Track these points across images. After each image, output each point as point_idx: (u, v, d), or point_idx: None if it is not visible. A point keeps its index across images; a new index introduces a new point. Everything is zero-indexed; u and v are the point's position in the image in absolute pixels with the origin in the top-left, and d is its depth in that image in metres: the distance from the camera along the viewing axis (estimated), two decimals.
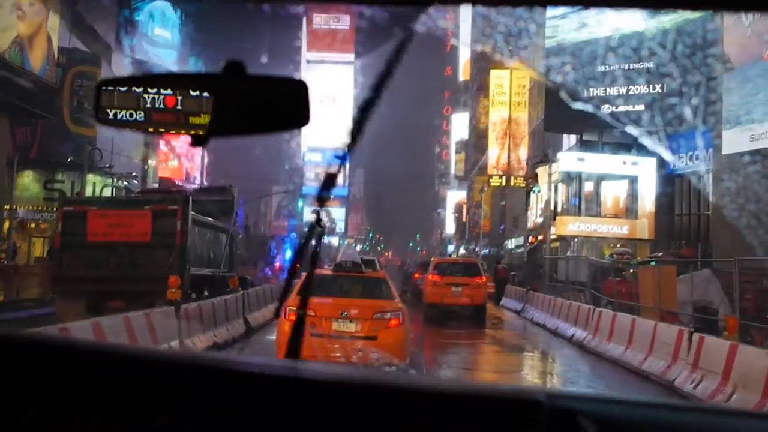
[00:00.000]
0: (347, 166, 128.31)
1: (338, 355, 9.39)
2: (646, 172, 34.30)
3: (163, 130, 1.83)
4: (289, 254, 44.02)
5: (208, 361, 1.42)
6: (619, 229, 35.02)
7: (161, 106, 1.71)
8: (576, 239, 35.84)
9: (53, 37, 31.14)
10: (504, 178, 58.91)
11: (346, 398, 1.16)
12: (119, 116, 1.75)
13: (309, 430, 1.12)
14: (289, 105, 1.70)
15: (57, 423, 1.18)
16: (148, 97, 1.72)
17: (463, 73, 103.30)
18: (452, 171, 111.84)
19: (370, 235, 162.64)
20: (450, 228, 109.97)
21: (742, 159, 25.56)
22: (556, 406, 1.11)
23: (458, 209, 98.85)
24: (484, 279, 24.76)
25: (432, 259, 31.93)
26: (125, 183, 38.84)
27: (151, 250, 17.61)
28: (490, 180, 59.72)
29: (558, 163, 35.71)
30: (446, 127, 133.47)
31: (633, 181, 34.93)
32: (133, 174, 34.19)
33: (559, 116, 35.05)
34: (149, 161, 56.44)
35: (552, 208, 37.11)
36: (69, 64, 35.17)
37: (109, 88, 1.77)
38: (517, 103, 58.43)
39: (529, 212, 43.69)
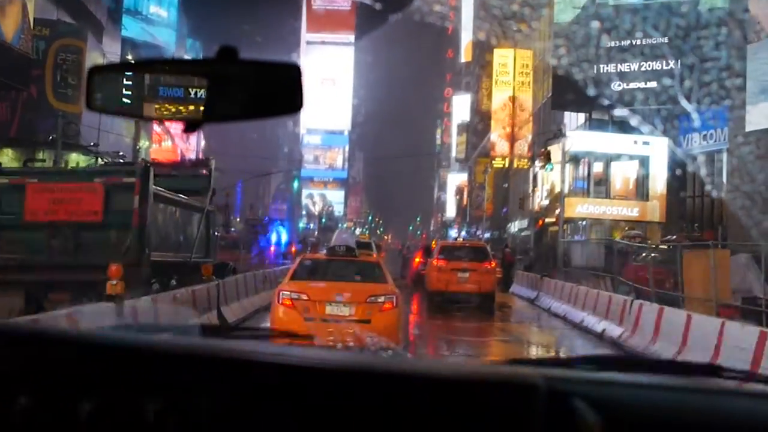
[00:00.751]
0: (346, 148, 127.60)
1: (331, 339, 7.63)
2: (657, 152, 32.99)
3: (155, 115, 1.81)
4: (284, 238, 42.76)
5: (200, 348, 1.36)
6: (629, 211, 33.75)
7: (154, 91, 1.62)
8: (584, 222, 34.55)
9: (29, 5, 29.73)
10: (507, 159, 57.64)
11: (339, 383, 1.15)
12: (111, 102, 1.71)
13: (302, 415, 1.11)
14: (283, 89, 1.63)
15: (47, 412, 1.17)
16: (141, 83, 1.67)
17: (465, 54, 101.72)
18: (453, 154, 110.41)
19: (369, 218, 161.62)
20: (451, 211, 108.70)
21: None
22: (553, 389, 1.10)
23: (459, 192, 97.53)
24: (494, 264, 23.27)
25: (433, 242, 30.56)
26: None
27: (102, 231, 14.68)
28: (493, 162, 58.42)
29: (566, 142, 34.37)
30: (447, 109, 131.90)
31: (644, 161, 33.62)
32: (120, 153, 32.67)
33: (567, 94, 33.69)
34: (142, 141, 55.09)
35: (559, 189, 35.81)
36: (52, 37, 33.48)
37: (102, 74, 1.72)
38: (520, 83, 57.02)
39: (534, 194, 42.37)
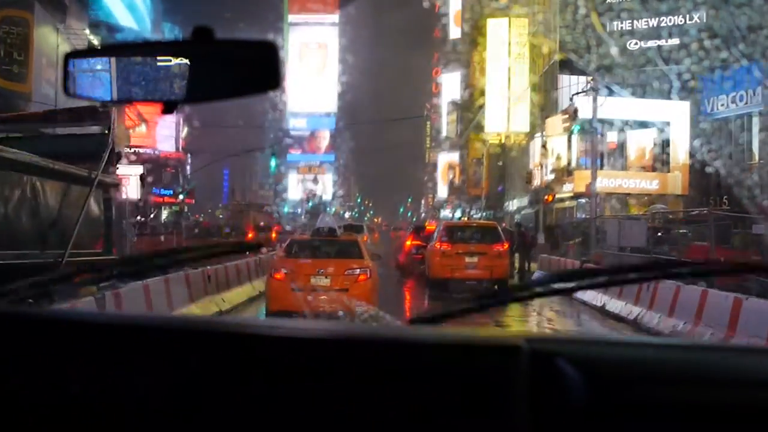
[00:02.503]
0: (329, 132, 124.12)
1: (322, 307, 7.90)
2: (679, 118, 29.63)
3: (133, 98, 1.78)
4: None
5: (189, 322, 1.41)
6: (647, 183, 30.54)
7: (131, 75, 1.68)
8: (597, 196, 31.26)
9: None
10: (503, 135, 54.31)
11: (322, 353, 1.17)
12: (88, 87, 1.75)
13: (288, 387, 1.13)
14: (260, 67, 1.63)
15: (36, 393, 1.18)
16: (117, 67, 1.69)
17: (454, 25, 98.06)
18: (443, 133, 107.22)
19: (358, 200, 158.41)
20: (442, 192, 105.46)
21: None
22: (535, 350, 1.12)
23: (450, 172, 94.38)
24: (506, 246, 19.96)
25: (427, 222, 27.23)
26: None
27: None
28: (488, 138, 55.16)
29: (594, 105, 30.92)
30: (436, 89, 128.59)
31: (663, 128, 30.27)
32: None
33: (574, 55, 30.28)
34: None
35: (566, 161, 32.44)
36: None
37: (77, 58, 1.75)
38: (517, 54, 53.65)
39: (540, 169, 38.98)
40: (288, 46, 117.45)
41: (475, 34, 70.59)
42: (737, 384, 1.13)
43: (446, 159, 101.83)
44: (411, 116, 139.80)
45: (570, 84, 37.63)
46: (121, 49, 1.90)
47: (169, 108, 1.74)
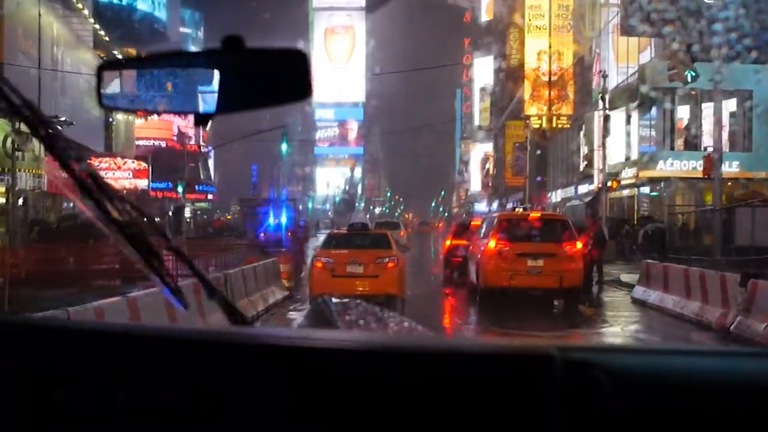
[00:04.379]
0: (356, 124, 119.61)
1: (351, 287, 13.56)
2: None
3: (165, 110, 1.82)
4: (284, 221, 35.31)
5: (215, 335, 1.39)
6: (726, 165, 25.59)
7: (162, 86, 1.70)
8: (665, 182, 26.48)
9: None
10: (544, 119, 49.53)
11: (350, 363, 1.17)
12: (121, 99, 1.79)
13: (309, 397, 1.13)
14: (291, 76, 1.63)
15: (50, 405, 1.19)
16: (148, 78, 1.71)
17: (486, 11, 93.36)
18: (476, 122, 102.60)
19: (388, 194, 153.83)
20: (475, 185, 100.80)
21: None
22: (569, 359, 1.11)
23: (484, 163, 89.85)
24: (581, 245, 15.20)
25: (472, 219, 22.71)
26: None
27: None
28: (530, 122, 50.42)
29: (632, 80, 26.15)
30: (466, 77, 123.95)
31: (746, 98, 25.38)
32: (63, 119, 25.09)
33: (640, 15, 25.48)
34: (120, 115, 47.32)
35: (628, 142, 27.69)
36: None
37: (109, 70, 1.78)
38: (558, 27, 48.84)
39: (593, 152, 34.12)
40: (313, 32, 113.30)
41: (509, 12, 65.90)
42: None
43: (480, 149, 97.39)
44: (442, 131, 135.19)
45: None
46: (152, 59, 1.90)
47: (200, 120, 1.77)
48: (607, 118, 25.85)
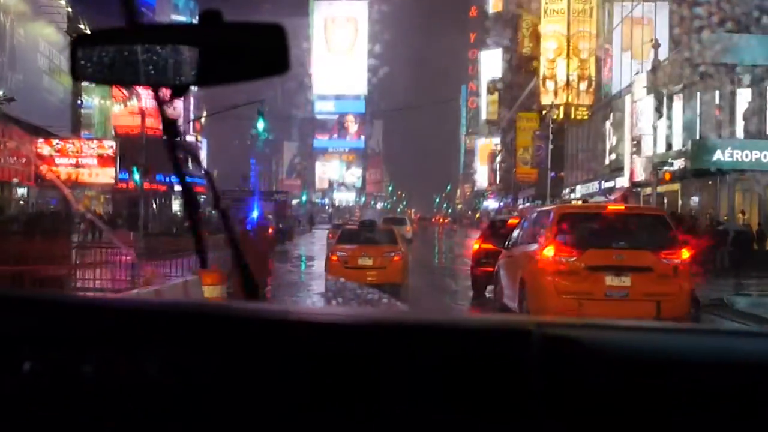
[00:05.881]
0: (353, 117, 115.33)
1: (361, 277, 15.00)
2: None
3: (141, 83, 1.80)
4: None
5: (200, 308, 1.44)
6: None
7: (139, 59, 1.70)
8: (724, 175, 22.41)
9: None
10: (561, 109, 45.49)
11: (331, 336, 1.20)
12: (97, 72, 1.75)
13: (297, 368, 1.16)
14: (269, 51, 1.67)
15: (51, 375, 1.22)
16: (125, 51, 1.71)
17: (494, 2, 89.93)
18: (483, 116, 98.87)
19: (390, 189, 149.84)
20: (482, 180, 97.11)
21: None
22: (546, 334, 1.14)
23: (493, 158, 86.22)
24: (686, 252, 9.85)
25: (511, 216, 18.37)
26: None
27: None
28: (546, 112, 46.44)
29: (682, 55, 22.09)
30: (472, 71, 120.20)
31: None
32: (6, 97, 21.11)
33: None
34: (96, 99, 43.20)
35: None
36: None
37: (86, 43, 1.79)
38: (579, 12, 44.87)
39: (622, 142, 30.06)
40: (313, 21, 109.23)
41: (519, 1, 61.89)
42: (744, 367, 1.13)
43: (487, 144, 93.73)
44: (447, 99, 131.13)
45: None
46: (129, 33, 1.81)
47: (177, 92, 1.76)
48: (659, 97, 21.77)
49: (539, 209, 13.57)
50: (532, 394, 1.08)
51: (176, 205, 65.05)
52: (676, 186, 26.02)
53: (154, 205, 56.33)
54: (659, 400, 1.07)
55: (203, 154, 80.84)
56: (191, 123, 74.17)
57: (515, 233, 12.46)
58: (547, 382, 1.08)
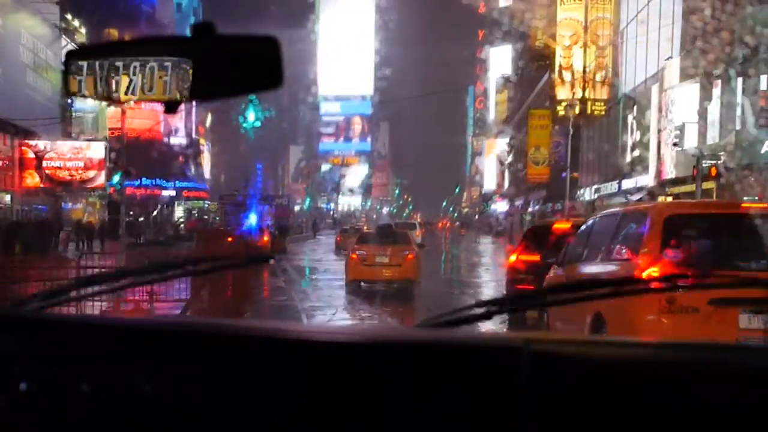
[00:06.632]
0: (361, 118, 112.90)
1: (379, 273, 16.80)
2: None
3: (136, 96, 1.76)
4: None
5: (203, 327, 1.44)
6: None
7: (132, 73, 1.69)
8: None
9: None
10: (577, 105, 43.07)
11: (322, 354, 1.21)
12: (90, 86, 1.74)
13: (295, 387, 1.17)
14: (263, 64, 1.66)
15: (47, 395, 1.23)
16: (118, 65, 1.71)
17: None
18: (491, 116, 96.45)
19: (396, 193, 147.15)
20: (490, 182, 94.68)
21: None
22: (534, 351, 1.15)
23: (502, 159, 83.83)
24: None
25: (563, 221, 14.08)
26: None
27: None
28: (559, 108, 44.11)
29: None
30: (480, 70, 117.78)
31: None
32: None
33: None
34: (88, 102, 40.73)
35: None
36: None
37: (78, 57, 1.76)
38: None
39: (647, 137, 27.47)
40: (319, 19, 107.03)
41: None
42: (747, 382, 1.12)
43: (495, 144, 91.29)
44: (456, 88, 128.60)
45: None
46: (122, 46, 1.87)
47: (170, 107, 1.76)
48: (709, 77, 19.24)
49: (617, 209, 9.56)
50: (520, 410, 1.08)
51: (180, 211, 62.93)
52: (712, 184, 23.46)
53: (155, 212, 54.11)
54: (650, 418, 1.06)
55: (206, 158, 78.80)
56: (195, 127, 72.25)
57: (575, 244, 8.74)
58: (536, 399, 1.08)
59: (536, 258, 11.11)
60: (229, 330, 1.33)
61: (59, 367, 1.22)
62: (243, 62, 1.61)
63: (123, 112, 28.33)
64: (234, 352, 1.21)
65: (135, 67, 1.64)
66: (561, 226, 12.18)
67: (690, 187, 24.59)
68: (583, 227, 8.82)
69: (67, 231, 27.39)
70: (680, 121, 24.01)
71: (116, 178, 30.87)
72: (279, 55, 1.59)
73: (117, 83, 1.66)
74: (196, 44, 1.61)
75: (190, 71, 1.59)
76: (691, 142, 24.25)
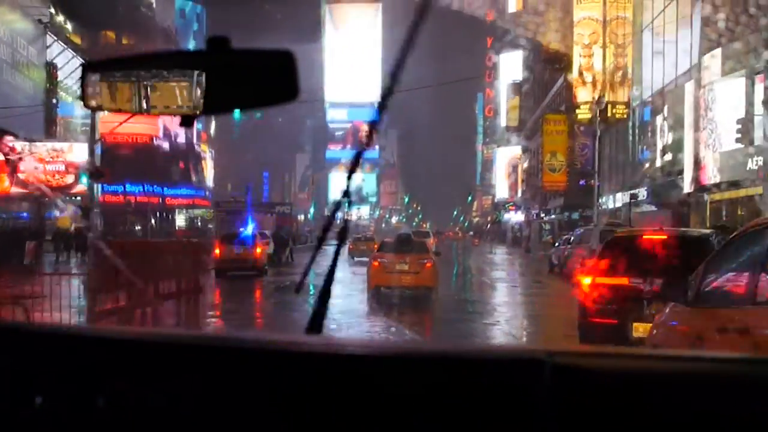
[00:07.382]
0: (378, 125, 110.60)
1: (399, 280, 17.45)
2: None
3: (152, 110, 1.76)
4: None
5: (205, 340, 1.45)
6: None
7: (148, 86, 1.69)
8: None
9: None
10: (597, 108, 40.63)
11: (344, 368, 1.21)
12: (107, 99, 1.75)
13: (307, 402, 1.17)
14: (278, 77, 1.66)
15: (62, 410, 1.24)
16: (135, 79, 1.71)
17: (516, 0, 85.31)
18: (502, 123, 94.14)
19: (406, 201, 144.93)
20: (502, 190, 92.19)
21: None
22: (557, 364, 1.14)
23: (514, 167, 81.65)
24: None
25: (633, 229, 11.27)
26: None
27: None
28: (579, 111, 41.79)
29: None
30: (489, 78, 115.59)
31: None
32: None
33: None
34: (64, 97, 38.47)
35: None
36: None
37: (95, 70, 1.77)
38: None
39: (680, 138, 25.02)
40: (325, 27, 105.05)
41: None
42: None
43: (507, 152, 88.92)
44: (468, 77, 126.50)
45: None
46: (138, 60, 1.85)
47: (186, 121, 1.75)
48: (750, 75, 16.85)
49: None
50: (544, 424, 1.08)
51: (180, 220, 60.67)
52: (758, 189, 20.99)
53: (153, 220, 51.85)
54: (673, 430, 1.06)
55: (209, 165, 76.55)
56: (197, 133, 70.02)
57: (717, 271, 5.32)
58: (560, 412, 1.08)
59: (623, 281, 8.75)
60: (236, 343, 1.31)
61: (73, 381, 1.21)
62: (258, 76, 1.60)
63: (93, 111, 25.97)
64: (241, 366, 1.19)
65: (152, 81, 1.62)
66: (654, 237, 9.25)
67: (737, 193, 22.26)
68: (740, 241, 5.29)
69: (34, 242, 25.09)
70: (725, 120, 21.57)
71: (84, 180, 28.51)
72: (294, 68, 1.59)
73: (134, 97, 1.63)
74: (211, 58, 1.61)
75: (206, 85, 1.58)
76: (729, 143, 21.85)
